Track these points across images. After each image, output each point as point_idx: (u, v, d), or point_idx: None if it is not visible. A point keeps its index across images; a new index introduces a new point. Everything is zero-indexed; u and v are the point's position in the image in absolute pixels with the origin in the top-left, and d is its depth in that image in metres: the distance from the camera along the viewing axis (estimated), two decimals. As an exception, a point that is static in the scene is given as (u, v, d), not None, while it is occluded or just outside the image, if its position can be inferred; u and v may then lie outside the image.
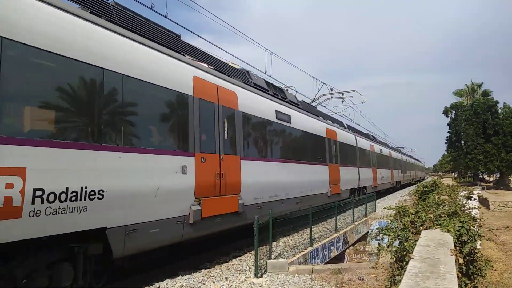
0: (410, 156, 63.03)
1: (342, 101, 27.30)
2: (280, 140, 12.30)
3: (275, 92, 13.48)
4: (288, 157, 12.48)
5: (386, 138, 52.01)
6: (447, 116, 52.15)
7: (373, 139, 30.80)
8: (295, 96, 16.46)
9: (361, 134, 26.85)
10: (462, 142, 48.93)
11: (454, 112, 50.67)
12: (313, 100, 24.84)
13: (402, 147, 59.86)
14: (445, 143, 54.13)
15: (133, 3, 8.76)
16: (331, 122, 19.67)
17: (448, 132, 51.83)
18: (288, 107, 13.43)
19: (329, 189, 16.01)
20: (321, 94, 25.89)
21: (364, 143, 25.17)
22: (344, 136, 20.03)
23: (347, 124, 24.37)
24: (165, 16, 10.20)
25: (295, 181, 12.76)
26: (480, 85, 52.97)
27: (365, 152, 25.08)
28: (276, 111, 12.04)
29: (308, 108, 17.11)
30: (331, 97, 26.65)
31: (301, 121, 14.06)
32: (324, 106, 25.91)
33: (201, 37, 13.21)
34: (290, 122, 12.92)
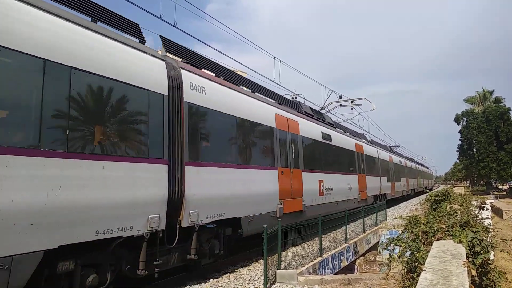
0: (412, 161, 53.35)
1: (352, 109, 27.21)
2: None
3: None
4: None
5: (395, 143, 51.57)
6: (458, 123, 51.59)
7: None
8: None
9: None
10: (474, 150, 48.27)
11: (465, 119, 50.09)
12: (322, 108, 24.79)
13: (398, 145, 46.81)
14: (457, 151, 53.55)
15: (142, 13, 8.92)
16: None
17: (460, 139, 51.24)
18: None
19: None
20: (330, 101, 25.86)
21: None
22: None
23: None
24: (174, 26, 10.31)
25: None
26: (491, 92, 52.34)
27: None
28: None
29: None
30: (340, 104, 26.58)
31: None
32: (333, 114, 25.87)
33: (210, 46, 13.30)
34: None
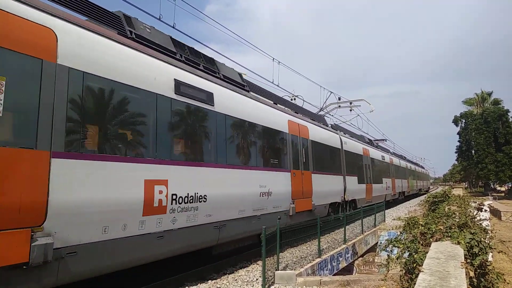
0: (403, 158, 44.32)
1: (350, 110, 27.26)
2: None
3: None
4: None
5: (394, 147, 51.53)
6: (457, 125, 51.59)
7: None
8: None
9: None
10: (473, 151, 48.28)
11: (464, 121, 50.13)
12: (321, 109, 24.83)
13: (384, 139, 39.21)
14: (455, 152, 53.52)
15: (141, 13, 8.90)
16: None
17: (458, 141, 51.23)
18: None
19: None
20: (328, 103, 25.89)
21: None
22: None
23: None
24: (173, 27, 10.32)
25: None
26: (490, 94, 52.40)
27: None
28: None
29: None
30: (339, 106, 26.64)
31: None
32: (332, 115, 25.89)
33: (208, 47, 13.36)
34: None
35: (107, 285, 6.36)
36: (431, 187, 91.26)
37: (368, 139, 28.91)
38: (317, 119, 17.47)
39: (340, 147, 17.73)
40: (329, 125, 19.30)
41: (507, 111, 45.66)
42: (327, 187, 15.08)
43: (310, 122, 14.89)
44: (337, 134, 18.25)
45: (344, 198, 17.30)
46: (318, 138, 14.87)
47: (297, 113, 14.55)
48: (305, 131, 13.67)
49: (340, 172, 17.26)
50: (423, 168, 71.88)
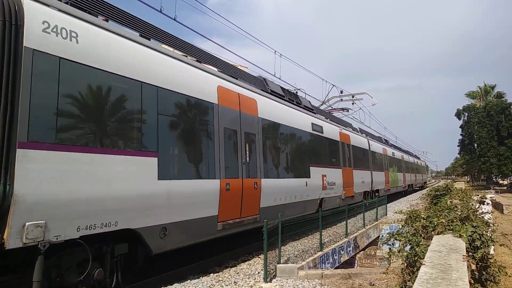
0: (389, 145, 34.51)
1: (353, 104, 27.18)
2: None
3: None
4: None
5: (397, 140, 51.44)
6: (459, 118, 51.43)
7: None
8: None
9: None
10: (475, 144, 48.15)
11: (466, 114, 49.94)
12: (323, 103, 24.76)
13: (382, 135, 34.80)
14: (458, 146, 53.40)
15: (142, 6, 8.84)
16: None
17: (461, 134, 51.11)
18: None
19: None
20: (331, 96, 25.83)
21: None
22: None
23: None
24: (174, 19, 10.23)
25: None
26: (493, 87, 52.13)
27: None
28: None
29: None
30: (341, 99, 26.55)
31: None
32: (334, 109, 25.83)
33: (211, 40, 13.23)
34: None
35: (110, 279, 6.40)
36: (432, 181, 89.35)
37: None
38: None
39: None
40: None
41: (510, 104, 45.45)
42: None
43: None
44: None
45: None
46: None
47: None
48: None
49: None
50: (419, 159, 59.90)
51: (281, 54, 16.78)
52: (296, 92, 19.79)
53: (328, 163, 15.13)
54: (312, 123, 14.11)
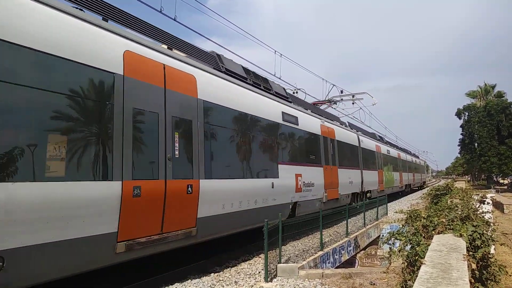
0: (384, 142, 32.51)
1: (353, 103, 27.12)
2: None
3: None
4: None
5: (397, 140, 51.39)
6: (460, 118, 51.39)
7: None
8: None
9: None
10: (476, 144, 48.12)
11: (467, 113, 49.90)
12: (323, 102, 24.73)
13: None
14: (458, 145, 53.37)
15: (142, 6, 8.82)
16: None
17: (461, 134, 51.08)
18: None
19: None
20: (331, 96, 25.77)
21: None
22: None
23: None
24: (174, 19, 10.24)
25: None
26: (493, 87, 52.08)
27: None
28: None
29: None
30: (341, 99, 26.51)
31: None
32: (334, 108, 25.81)
33: (211, 40, 13.20)
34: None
35: (109, 280, 6.41)
36: (433, 180, 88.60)
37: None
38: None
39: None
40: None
41: (511, 103, 45.41)
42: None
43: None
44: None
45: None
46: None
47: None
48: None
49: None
50: (418, 158, 58.39)
51: (281, 54, 16.79)
52: (296, 92, 19.78)
53: (305, 161, 13.08)
54: (283, 112, 11.88)
